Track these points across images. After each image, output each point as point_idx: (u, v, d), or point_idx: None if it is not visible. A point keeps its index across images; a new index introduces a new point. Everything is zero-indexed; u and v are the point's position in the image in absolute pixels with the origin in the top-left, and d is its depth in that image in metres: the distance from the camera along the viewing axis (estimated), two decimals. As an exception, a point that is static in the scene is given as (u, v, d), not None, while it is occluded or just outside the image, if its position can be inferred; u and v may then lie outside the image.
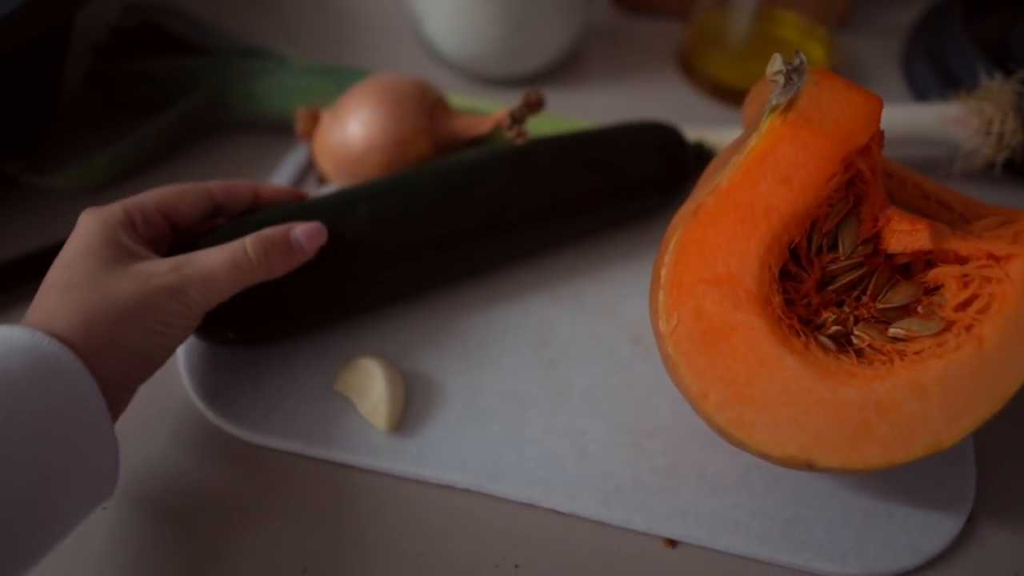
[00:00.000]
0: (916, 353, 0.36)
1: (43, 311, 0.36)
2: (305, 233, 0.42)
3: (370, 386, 0.45)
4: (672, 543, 0.41)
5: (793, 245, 0.38)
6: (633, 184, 0.52)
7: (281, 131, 0.63)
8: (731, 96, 0.66)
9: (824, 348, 0.37)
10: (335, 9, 0.79)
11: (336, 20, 0.78)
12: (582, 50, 0.73)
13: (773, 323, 0.37)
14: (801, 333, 0.37)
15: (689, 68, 0.69)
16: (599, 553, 0.41)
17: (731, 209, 0.38)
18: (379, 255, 0.46)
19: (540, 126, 0.59)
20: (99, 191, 0.60)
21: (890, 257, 0.40)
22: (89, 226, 0.38)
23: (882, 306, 0.39)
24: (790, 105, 0.38)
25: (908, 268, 0.40)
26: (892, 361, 0.36)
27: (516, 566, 0.40)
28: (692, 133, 0.58)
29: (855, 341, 0.38)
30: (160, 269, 0.38)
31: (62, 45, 0.60)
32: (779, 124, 0.38)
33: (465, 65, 0.68)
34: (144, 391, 0.47)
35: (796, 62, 0.39)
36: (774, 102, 0.38)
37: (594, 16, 0.76)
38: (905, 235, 0.38)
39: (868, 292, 0.39)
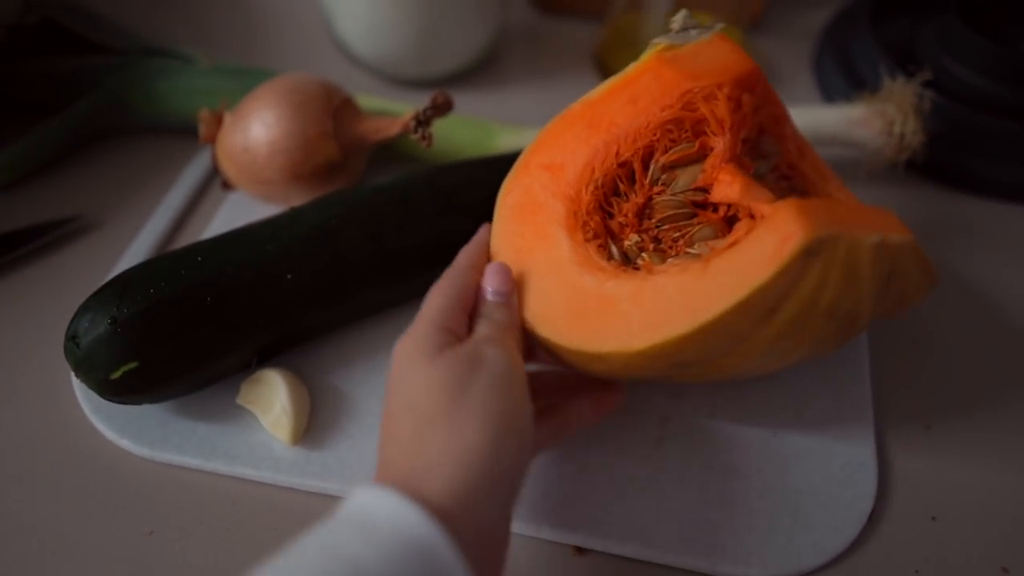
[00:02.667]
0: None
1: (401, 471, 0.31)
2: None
3: (273, 398, 0.44)
4: (580, 550, 0.41)
5: (623, 160, 0.41)
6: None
7: (186, 134, 0.61)
8: (647, 97, 0.66)
9: (600, 250, 0.40)
10: (246, 8, 0.78)
11: (247, 19, 0.76)
12: (500, 51, 0.73)
13: (570, 213, 0.40)
14: (593, 234, 0.40)
15: (605, 69, 0.69)
16: (507, 562, 0.40)
17: (585, 115, 0.42)
18: (306, 312, 0.45)
19: (456, 129, 0.59)
20: (-7, 195, 0.57)
21: (718, 210, 0.40)
22: (410, 359, 0.35)
23: (689, 249, 0.39)
24: (671, 48, 0.42)
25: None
26: (651, 271, 0.38)
27: (422, 579, 0.40)
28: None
29: (638, 262, 0.40)
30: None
31: (-49, 43, 0.58)
32: (652, 58, 0.42)
33: (379, 66, 0.67)
34: (36, 406, 0.46)
35: (707, 24, 0.42)
36: (656, 40, 0.42)
37: (512, 16, 0.76)
38: (722, 185, 0.39)
39: (685, 237, 0.40)
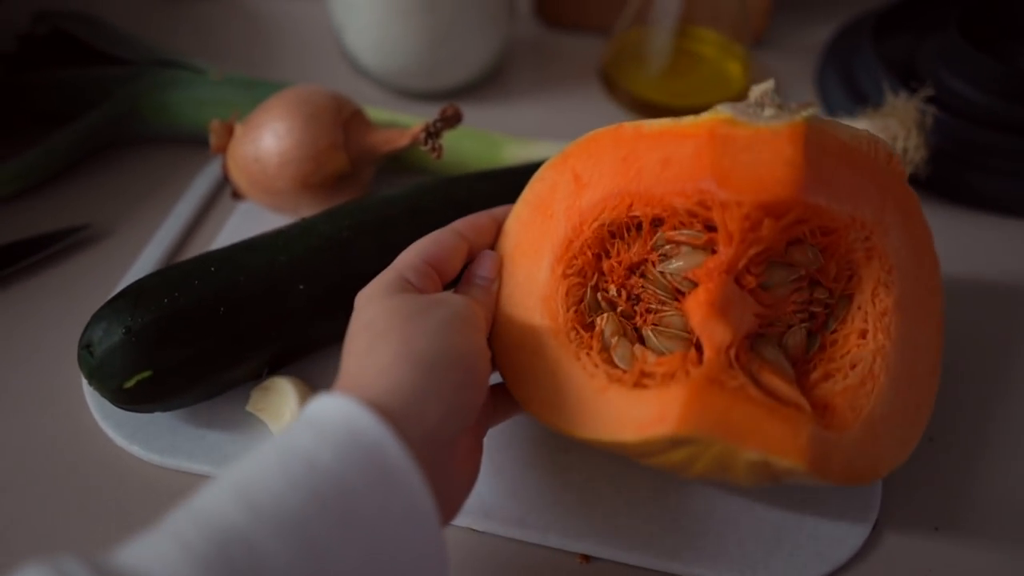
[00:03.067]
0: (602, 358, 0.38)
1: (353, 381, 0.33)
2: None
3: (283, 406, 0.44)
4: (586, 558, 0.41)
5: (633, 212, 0.39)
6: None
7: (197, 144, 0.61)
8: (651, 111, 0.67)
9: (575, 289, 0.40)
10: (258, 21, 0.78)
11: (257, 31, 0.77)
12: (506, 64, 0.74)
13: (566, 241, 0.40)
14: (577, 270, 0.40)
15: (610, 83, 0.70)
16: (514, 570, 0.41)
17: (627, 146, 0.40)
18: (317, 322, 0.45)
19: (463, 141, 0.59)
20: (7, 204, 0.58)
21: None
22: (370, 297, 0.36)
23: (650, 327, 0.39)
24: (732, 122, 0.37)
25: None
26: (583, 354, 0.38)
27: (430, 586, 0.40)
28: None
29: (597, 320, 0.39)
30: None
31: (-36, 53, 0.58)
32: (706, 124, 0.38)
33: (387, 79, 0.68)
34: (47, 413, 0.46)
35: (790, 107, 0.37)
36: (724, 108, 0.38)
37: (519, 31, 0.77)
38: (692, 300, 0.36)
39: (657, 315, 0.39)
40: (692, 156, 0.37)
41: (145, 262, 0.54)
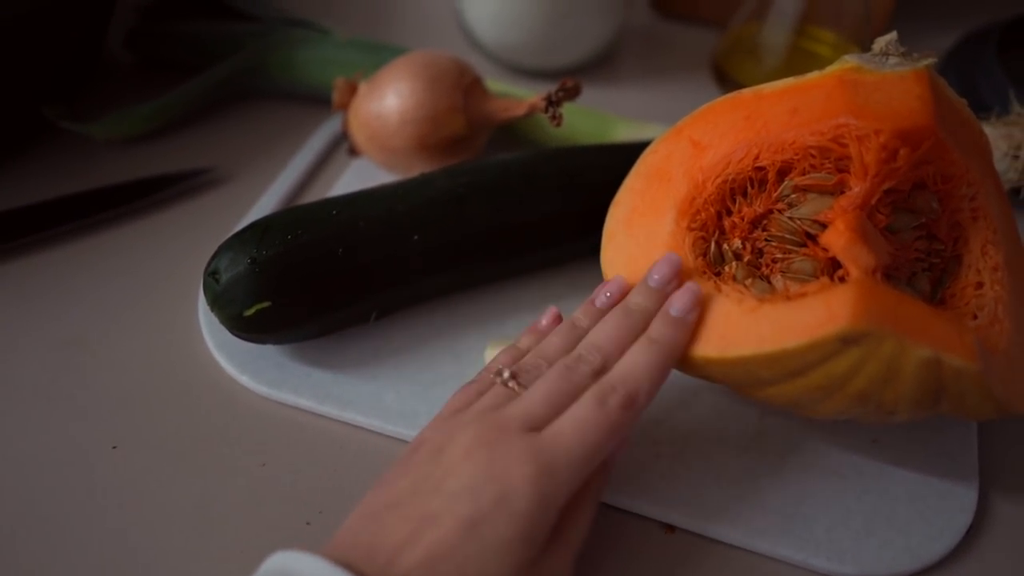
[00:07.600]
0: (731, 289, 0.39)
1: None
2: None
3: None
4: (671, 529, 0.42)
5: (760, 164, 0.40)
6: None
7: (317, 102, 0.64)
8: (762, 106, 0.67)
9: (699, 242, 0.41)
10: (378, -10, 0.81)
11: (381, 1, 0.79)
12: (618, 49, 0.74)
13: (689, 197, 0.41)
14: (701, 224, 0.41)
15: (721, 76, 0.70)
16: (598, 534, 0.41)
17: (748, 106, 0.41)
18: (428, 273, 0.47)
19: (575, 118, 0.60)
20: (134, 144, 0.61)
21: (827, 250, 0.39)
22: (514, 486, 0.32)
23: (778, 276, 0.40)
24: (859, 70, 0.39)
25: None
26: (723, 286, 0.39)
27: (517, 537, 0.41)
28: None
29: (725, 268, 0.40)
30: None
31: (107, 1, 0.62)
32: (833, 74, 0.40)
33: (502, 54, 0.69)
34: (164, 339, 0.49)
35: (912, 56, 0.40)
36: (850, 58, 0.40)
37: (632, 18, 0.77)
38: (833, 232, 0.37)
39: (784, 263, 0.40)
40: (824, 100, 0.39)
41: (263, 206, 0.56)
